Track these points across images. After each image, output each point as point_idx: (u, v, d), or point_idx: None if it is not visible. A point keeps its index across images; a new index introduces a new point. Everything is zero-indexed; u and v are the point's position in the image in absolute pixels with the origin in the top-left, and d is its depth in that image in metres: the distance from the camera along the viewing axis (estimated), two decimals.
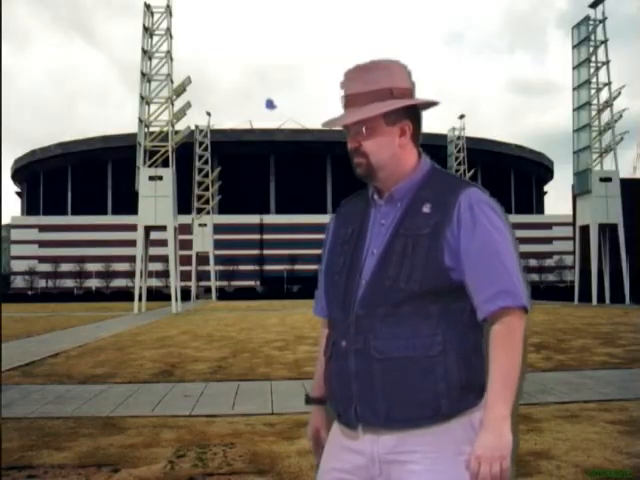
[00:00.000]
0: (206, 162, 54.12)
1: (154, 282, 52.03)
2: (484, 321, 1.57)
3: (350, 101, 1.64)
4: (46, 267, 72.80)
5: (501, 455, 1.44)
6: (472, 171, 61.84)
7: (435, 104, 1.71)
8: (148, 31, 33.02)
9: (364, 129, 1.61)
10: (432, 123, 49.26)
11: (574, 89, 35.75)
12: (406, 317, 1.51)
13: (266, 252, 78.68)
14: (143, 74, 32.51)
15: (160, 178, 31.05)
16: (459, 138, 60.71)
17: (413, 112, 1.66)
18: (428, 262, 1.55)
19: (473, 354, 1.61)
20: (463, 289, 1.57)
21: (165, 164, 32.18)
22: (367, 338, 1.52)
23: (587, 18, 35.01)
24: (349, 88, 1.65)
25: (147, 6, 33.01)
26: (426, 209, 1.59)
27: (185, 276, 42.63)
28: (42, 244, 78.40)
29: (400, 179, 1.66)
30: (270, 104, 55.81)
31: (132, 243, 36.24)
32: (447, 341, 1.52)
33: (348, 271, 1.60)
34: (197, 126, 53.45)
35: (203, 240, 53.03)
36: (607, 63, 34.72)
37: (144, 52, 32.76)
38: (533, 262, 69.86)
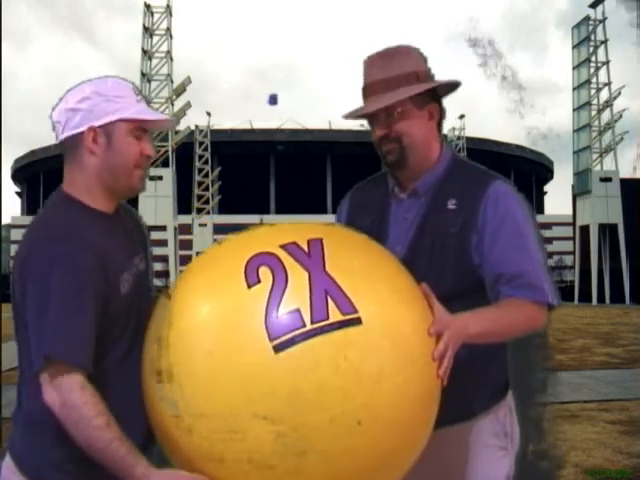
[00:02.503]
0: (206, 162, 53.99)
1: (154, 282, 51.95)
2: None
3: (374, 88, 1.57)
4: None
5: (458, 340, 1.36)
6: None
7: (458, 85, 1.66)
8: (148, 31, 33.01)
9: (395, 113, 1.55)
10: None
11: (574, 89, 35.74)
12: None
13: None
14: (143, 74, 32.50)
15: (160, 178, 31.05)
16: (459, 138, 60.60)
17: (437, 97, 1.63)
18: (457, 263, 1.52)
19: (498, 352, 1.61)
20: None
21: (165, 164, 32.18)
22: None
23: (587, 18, 34.97)
24: (372, 75, 1.58)
25: (147, 6, 33.00)
26: (451, 205, 1.55)
27: None
28: None
29: (425, 169, 1.61)
30: (273, 100, 55.26)
31: None
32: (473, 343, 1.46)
33: None
34: (197, 126, 53.35)
35: (203, 240, 52.98)
36: (607, 63, 34.69)
37: (144, 52, 32.76)
38: None
